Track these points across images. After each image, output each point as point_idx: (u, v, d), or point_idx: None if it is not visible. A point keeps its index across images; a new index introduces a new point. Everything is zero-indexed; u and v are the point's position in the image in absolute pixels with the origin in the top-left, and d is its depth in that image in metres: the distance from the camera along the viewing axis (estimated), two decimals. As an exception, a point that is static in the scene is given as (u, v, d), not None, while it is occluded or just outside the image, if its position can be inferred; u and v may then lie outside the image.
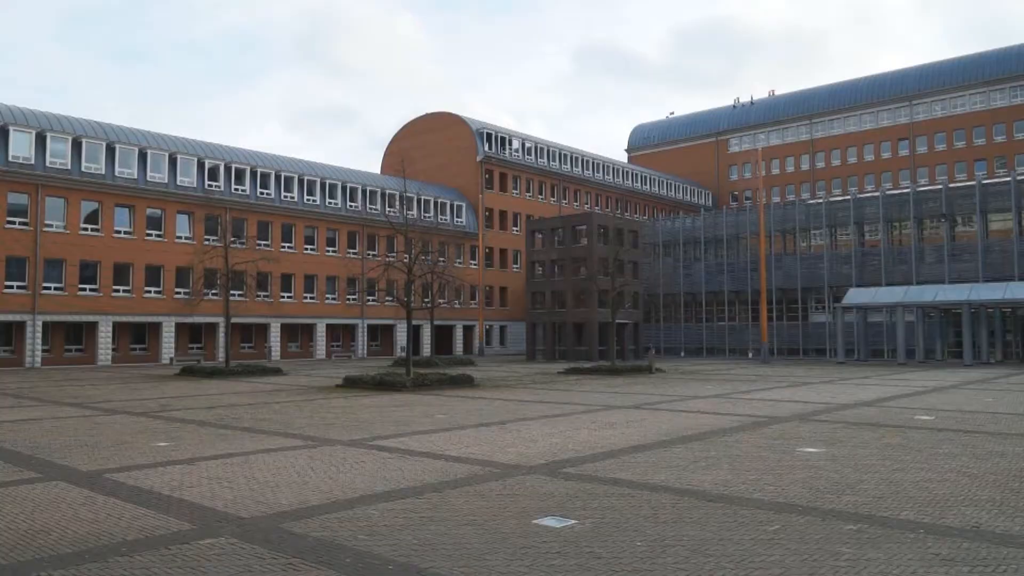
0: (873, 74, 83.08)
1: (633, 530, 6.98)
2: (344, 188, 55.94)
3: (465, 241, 63.25)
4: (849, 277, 50.92)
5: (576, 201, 73.19)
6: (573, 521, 7.31)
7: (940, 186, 51.22)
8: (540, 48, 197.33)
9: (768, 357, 47.80)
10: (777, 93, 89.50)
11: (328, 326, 55.23)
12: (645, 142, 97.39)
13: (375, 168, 75.23)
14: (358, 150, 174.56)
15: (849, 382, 28.31)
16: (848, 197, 54.81)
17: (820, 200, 56.32)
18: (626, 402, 20.42)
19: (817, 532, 6.90)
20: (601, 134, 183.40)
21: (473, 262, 63.53)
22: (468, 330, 63.89)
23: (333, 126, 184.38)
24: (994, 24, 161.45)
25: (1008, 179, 48.09)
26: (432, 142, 67.60)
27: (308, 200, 53.52)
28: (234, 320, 39.90)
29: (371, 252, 56.00)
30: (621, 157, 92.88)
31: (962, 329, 42.98)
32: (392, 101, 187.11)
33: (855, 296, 47.76)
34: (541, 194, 70.23)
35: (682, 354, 58.51)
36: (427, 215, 58.52)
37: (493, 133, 65.75)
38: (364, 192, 57.20)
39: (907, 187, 54.49)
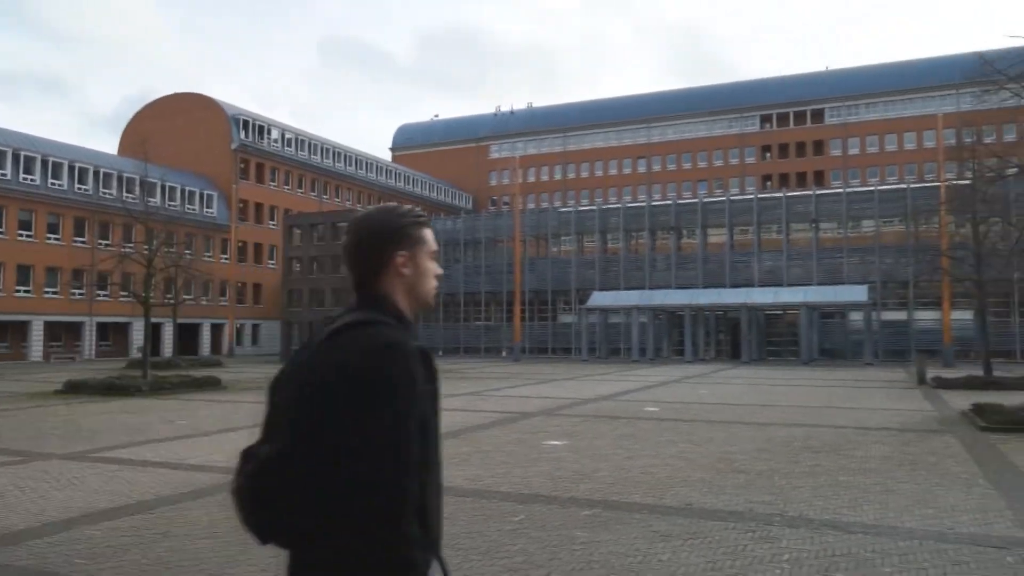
0: (618, 96, 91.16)
1: (385, 531, 6.94)
2: (72, 168, 49.54)
3: (215, 233, 59.05)
4: (593, 281, 55.32)
5: (338, 197, 71.60)
6: (324, 526, 7.10)
7: (670, 202, 57.64)
8: (281, 38, 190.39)
9: (519, 355, 50.38)
10: (535, 105, 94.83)
11: (47, 324, 48.50)
12: (409, 142, 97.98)
13: (104, 148, 67.62)
14: (75, 126, 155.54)
15: (591, 378, 30.72)
16: (594, 207, 59.61)
17: (570, 208, 60.63)
18: (384, 402, 20.30)
19: (557, 519, 7.38)
20: (358, 132, 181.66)
21: (224, 256, 59.50)
22: (217, 329, 59.70)
23: (40, 96, 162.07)
24: (697, 57, 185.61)
25: (723, 199, 55.48)
26: (181, 126, 62.18)
27: (25, 179, 46.61)
28: (-80, 316, 33.56)
29: (104, 241, 50.13)
30: (385, 156, 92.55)
31: (684, 330, 48.64)
32: (116, 76, 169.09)
33: (597, 299, 51.99)
34: (301, 188, 67.72)
35: (440, 353, 59.60)
36: (172, 204, 53.63)
37: (250, 120, 62.17)
38: (97, 174, 51.09)
39: (644, 201, 60.52)
